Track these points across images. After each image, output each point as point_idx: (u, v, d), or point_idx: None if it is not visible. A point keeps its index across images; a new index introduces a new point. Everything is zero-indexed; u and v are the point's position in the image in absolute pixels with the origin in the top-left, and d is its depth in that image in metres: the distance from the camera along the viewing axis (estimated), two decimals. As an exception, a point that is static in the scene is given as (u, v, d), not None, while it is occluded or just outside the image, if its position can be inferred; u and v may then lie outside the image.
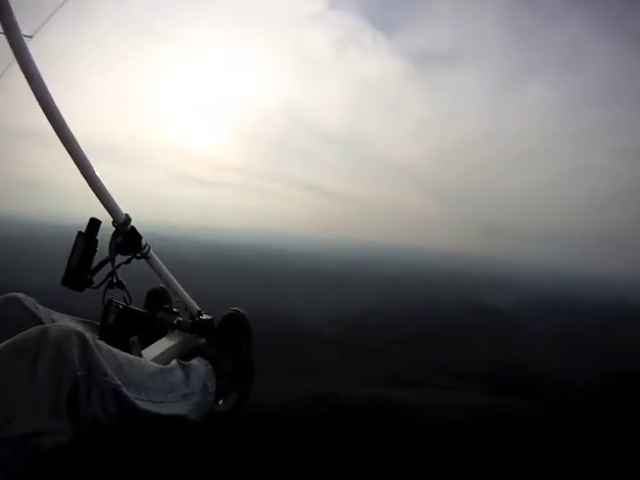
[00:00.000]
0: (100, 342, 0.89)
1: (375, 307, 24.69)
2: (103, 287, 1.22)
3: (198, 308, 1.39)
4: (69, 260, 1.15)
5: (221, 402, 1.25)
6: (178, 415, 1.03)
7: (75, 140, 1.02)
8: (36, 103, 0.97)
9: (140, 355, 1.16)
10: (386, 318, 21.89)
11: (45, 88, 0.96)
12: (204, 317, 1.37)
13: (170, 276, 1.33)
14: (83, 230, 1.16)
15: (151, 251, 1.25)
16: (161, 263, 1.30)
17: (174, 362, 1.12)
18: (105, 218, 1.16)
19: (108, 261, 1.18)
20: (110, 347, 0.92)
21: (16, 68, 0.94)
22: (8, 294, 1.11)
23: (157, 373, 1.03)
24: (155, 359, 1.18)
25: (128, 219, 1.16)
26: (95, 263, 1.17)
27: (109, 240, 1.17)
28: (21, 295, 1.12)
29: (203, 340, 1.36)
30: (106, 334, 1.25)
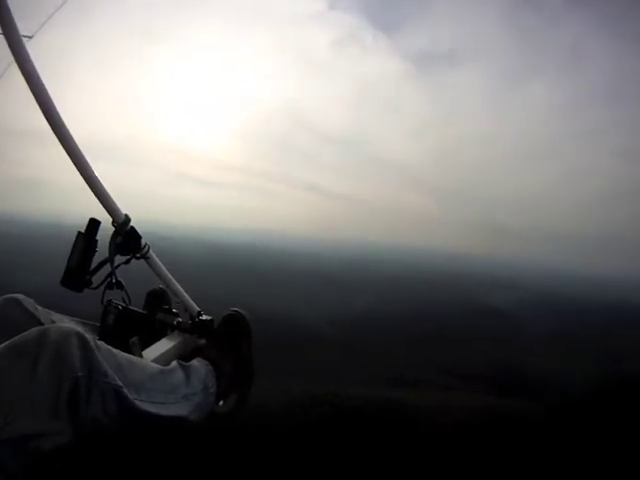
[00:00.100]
0: (100, 343, 0.89)
1: (375, 307, 24.68)
2: (102, 288, 1.22)
3: (198, 309, 1.39)
4: (68, 260, 1.14)
5: (221, 403, 1.25)
6: (179, 416, 1.02)
7: (74, 140, 1.02)
8: (35, 103, 0.96)
9: (140, 356, 1.16)
10: (386, 318, 21.89)
11: (44, 88, 0.96)
12: (204, 318, 1.37)
13: (170, 277, 1.32)
14: (82, 230, 1.15)
15: (151, 251, 1.24)
16: (160, 263, 1.29)
17: (174, 363, 1.12)
18: (104, 218, 1.15)
19: (107, 261, 1.17)
20: (110, 348, 0.92)
21: (15, 68, 0.94)
22: (7, 295, 1.11)
23: (157, 374, 1.02)
24: (155, 360, 1.17)
25: (128, 219, 1.15)
26: (94, 264, 1.16)
27: (108, 240, 1.17)
28: (20, 296, 1.12)
29: (203, 341, 1.36)
30: (106, 335, 1.25)
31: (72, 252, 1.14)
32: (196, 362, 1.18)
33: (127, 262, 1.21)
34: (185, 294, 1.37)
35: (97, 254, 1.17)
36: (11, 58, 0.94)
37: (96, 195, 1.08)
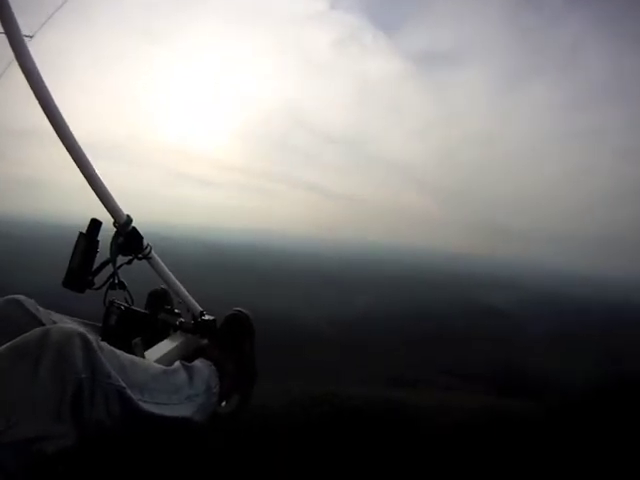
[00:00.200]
0: (103, 343, 0.88)
1: (376, 307, 24.69)
2: (104, 288, 1.21)
3: (200, 309, 1.38)
4: (70, 261, 1.13)
5: (223, 404, 1.24)
6: (182, 417, 1.01)
7: (75, 139, 1.01)
8: (36, 103, 0.96)
9: (143, 357, 1.15)
10: (386, 318, 21.89)
11: (45, 88, 0.95)
12: (206, 318, 1.36)
13: (172, 277, 1.32)
14: (84, 231, 1.15)
15: (152, 252, 1.24)
16: (162, 264, 1.29)
17: (177, 363, 1.11)
18: (106, 219, 1.15)
19: (109, 262, 1.17)
20: (113, 348, 0.91)
21: (16, 68, 0.94)
22: (8, 296, 1.10)
23: (161, 374, 1.02)
24: (158, 360, 1.17)
25: (129, 220, 1.15)
26: (96, 264, 1.16)
27: (110, 241, 1.16)
28: (21, 297, 1.11)
29: (206, 341, 1.35)
30: (108, 335, 1.24)
31: (73, 253, 1.14)
32: (199, 362, 1.18)
33: (129, 262, 1.20)
34: (187, 294, 1.36)
35: (99, 255, 1.16)
36: (10, 58, 0.94)
37: (97, 195, 1.08)
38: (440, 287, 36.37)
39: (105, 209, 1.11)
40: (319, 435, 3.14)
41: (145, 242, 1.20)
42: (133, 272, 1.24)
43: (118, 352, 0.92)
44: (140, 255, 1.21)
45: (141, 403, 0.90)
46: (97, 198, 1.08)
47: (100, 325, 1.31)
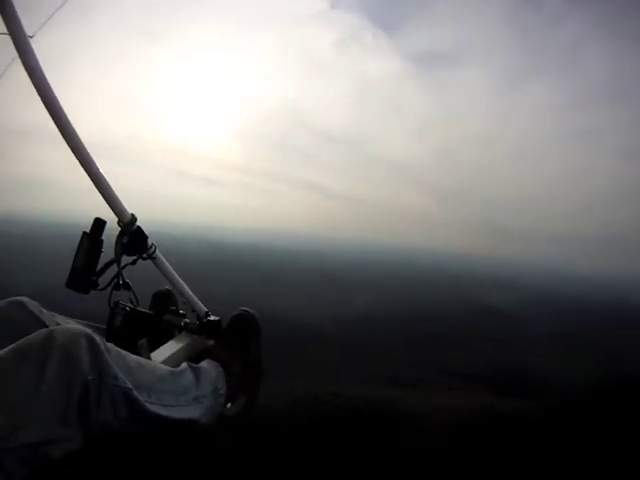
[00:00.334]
0: (109, 345, 0.87)
1: (377, 307, 24.69)
2: (108, 289, 1.20)
3: (205, 309, 1.37)
4: (74, 261, 1.12)
5: (230, 405, 1.23)
6: (190, 419, 1.00)
7: (79, 137, 1.00)
8: (39, 102, 0.95)
9: (149, 358, 1.14)
10: (387, 318, 21.90)
11: (49, 87, 0.94)
12: (212, 318, 1.35)
13: (177, 277, 1.30)
14: (88, 230, 1.13)
15: (157, 251, 1.22)
16: (167, 264, 1.27)
17: (184, 365, 1.10)
18: (110, 218, 1.13)
19: (114, 262, 1.15)
20: (119, 350, 0.90)
21: (17, 67, 0.93)
22: (11, 298, 1.08)
23: (168, 376, 1.00)
24: (164, 362, 1.15)
25: (134, 219, 1.13)
26: (100, 264, 1.14)
27: (114, 240, 1.14)
28: (25, 299, 1.10)
29: (211, 342, 1.34)
30: (113, 337, 1.23)
31: (77, 253, 1.12)
32: (206, 364, 1.16)
33: (134, 262, 1.19)
34: (192, 295, 1.35)
35: (102, 255, 1.15)
36: (10, 58, 0.93)
37: (102, 194, 1.06)
38: (440, 287, 36.38)
39: (109, 208, 1.09)
40: (322, 435, 3.14)
41: (149, 242, 1.19)
42: (137, 272, 1.23)
43: (124, 353, 0.91)
44: (144, 255, 1.19)
45: (148, 405, 0.89)
46: (101, 197, 1.07)
47: (104, 327, 1.29)
